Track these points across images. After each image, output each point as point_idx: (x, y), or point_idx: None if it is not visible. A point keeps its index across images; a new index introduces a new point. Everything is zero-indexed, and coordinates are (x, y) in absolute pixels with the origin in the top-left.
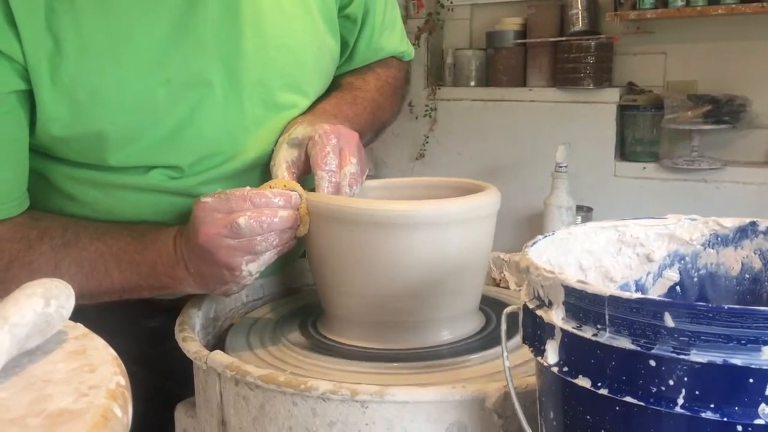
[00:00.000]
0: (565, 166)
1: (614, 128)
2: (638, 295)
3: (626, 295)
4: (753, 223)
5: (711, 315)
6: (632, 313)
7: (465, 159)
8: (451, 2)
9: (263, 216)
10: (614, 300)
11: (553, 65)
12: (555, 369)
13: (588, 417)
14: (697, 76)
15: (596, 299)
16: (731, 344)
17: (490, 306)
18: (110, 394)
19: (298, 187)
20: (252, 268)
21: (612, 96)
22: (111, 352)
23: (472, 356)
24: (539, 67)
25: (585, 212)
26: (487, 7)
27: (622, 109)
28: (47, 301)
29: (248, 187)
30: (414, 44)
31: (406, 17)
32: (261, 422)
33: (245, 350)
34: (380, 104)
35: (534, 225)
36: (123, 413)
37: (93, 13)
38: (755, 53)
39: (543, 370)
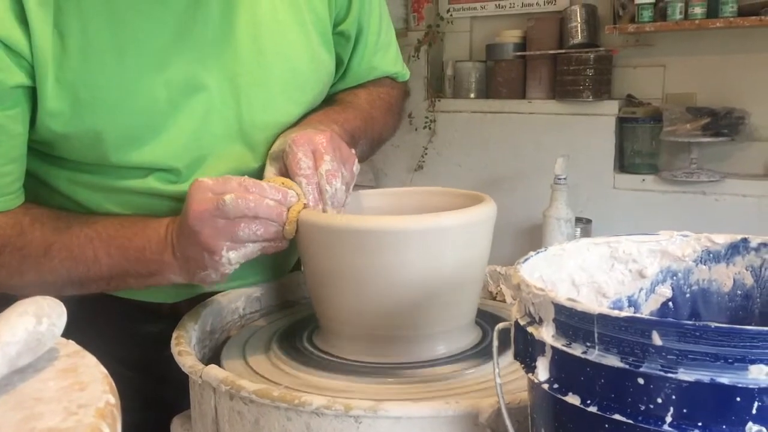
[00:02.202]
0: (564, 178)
1: (613, 140)
2: (626, 313)
3: (615, 313)
4: (745, 240)
5: (698, 334)
6: (621, 331)
7: (464, 170)
8: (451, 15)
9: (249, 196)
10: (603, 318)
11: (553, 77)
12: (545, 386)
13: None
14: (696, 89)
15: (585, 317)
16: (718, 363)
17: (486, 320)
18: (99, 413)
19: (296, 187)
20: (232, 256)
21: (611, 108)
22: (102, 370)
23: (468, 371)
24: (539, 79)
25: (584, 224)
26: (486, 19)
27: (621, 122)
28: (39, 319)
29: (247, 177)
30: (414, 56)
31: (406, 29)
32: None
33: (241, 364)
34: (372, 115)
35: (533, 237)
36: None
37: (98, 14)
38: (754, 66)
39: (534, 387)
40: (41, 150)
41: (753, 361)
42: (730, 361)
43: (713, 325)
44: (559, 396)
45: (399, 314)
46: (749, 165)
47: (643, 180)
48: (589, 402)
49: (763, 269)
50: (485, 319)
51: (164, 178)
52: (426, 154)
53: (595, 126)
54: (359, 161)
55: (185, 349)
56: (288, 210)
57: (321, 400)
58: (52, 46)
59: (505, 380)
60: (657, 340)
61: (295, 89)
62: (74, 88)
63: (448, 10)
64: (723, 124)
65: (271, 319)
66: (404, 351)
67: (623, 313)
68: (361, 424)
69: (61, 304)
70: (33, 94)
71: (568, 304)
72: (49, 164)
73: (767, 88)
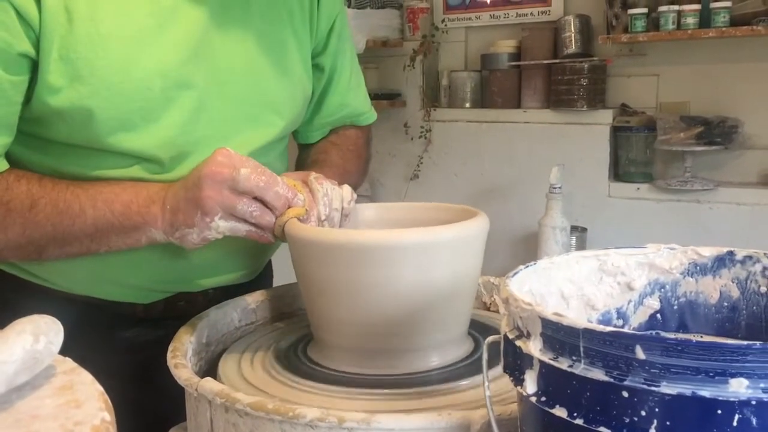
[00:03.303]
0: (559, 188)
1: (608, 149)
2: (611, 328)
3: (599, 327)
4: (730, 253)
5: (680, 348)
6: (605, 346)
7: (460, 180)
8: (446, 25)
9: (263, 177)
10: (588, 332)
11: (547, 87)
12: (533, 399)
13: None
14: (690, 98)
15: (571, 331)
16: (700, 376)
17: (480, 330)
18: (94, 430)
19: (305, 195)
20: (221, 224)
21: (605, 117)
22: (98, 388)
23: (461, 382)
24: (533, 88)
25: (580, 232)
26: (481, 29)
27: (616, 131)
28: (36, 337)
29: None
30: (409, 66)
31: (402, 40)
32: None
33: (236, 376)
34: (346, 169)
35: (529, 245)
36: None
37: (108, 2)
38: (747, 75)
39: (523, 399)
40: (29, 132)
41: (733, 375)
42: (711, 374)
43: (694, 339)
44: (547, 409)
45: (392, 327)
46: (743, 173)
47: (638, 188)
48: (575, 415)
49: (748, 282)
50: (478, 329)
51: (149, 168)
52: (422, 163)
53: (589, 135)
54: None
55: (181, 362)
56: (288, 208)
57: (315, 412)
58: (59, 25)
59: (501, 390)
60: (640, 354)
61: (278, 102)
62: (76, 66)
63: (443, 21)
64: (716, 132)
65: (266, 331)
66: (398, 363)
67: (608, 328)
68: None
69: (58, 322)
70: (34, 69)
71: (554, 318)
72: (32, 150)
73: (760, 97)
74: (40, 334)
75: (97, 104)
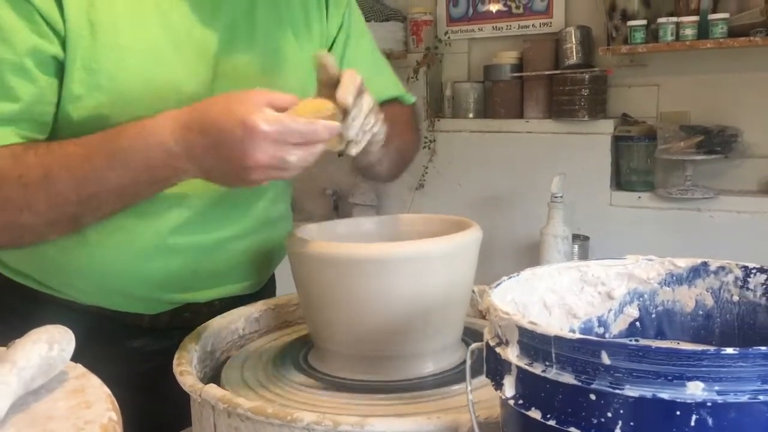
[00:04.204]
0: (561, 197)
1: (609, 158)
2: (579, 335)
3: (569, 335)
4: (705, 264)
5: (641, 353)
6: (574, 351)
7: (464, 189)
8: (449, 37)
9: (309, 150)
10: (558, 339)
11: (549, 97)
12: (512, 402)
13: None
14: (690, 108)
15: (543, 339)
16: (660, 380)
17: (474, 338)
18: (103, 429)
19: (331, 104)
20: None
21: (607, 127)
22: (106, 390)
23: (454, 387)
24: (535, 99)
25: (582, 241)
26: (484, 41)
27: (617, 140)
28: (51, 345)
29: (301, 119)
30: (413, 78)
31: (405, 52)
32: None
33: (239, 383)
34: (394, 129)
35: (532, 254)
36: None
37: (128, 15)
38: (746, 85)
39: (503, 403)
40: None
41: (690, 378)
42: (669, 378)
43: (654, 345)
44: (524, 411)
45: (388, 335)
46: (743, 182)
47: (639, 197)
48: (548, 416)
49: (721, 291)
50: (472, 337)
51: None
52: (426, 173)
53: (591, 144)
54: (388, 173)
55: (186, 369)
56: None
57: (311, 416)
58: (82, 36)
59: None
60: (606, 359)
61: None
62: (98, 76)
63: (447, 33)
64: (716, 141)
65: (269, 339)
66: (394, 370)
67: (576, 335)
68: None
69: (70, 331)
70: (61, 74)
71: (529, 326)
72: None
73: (759, 107)
74: (54, 343)
75: (114, 112)
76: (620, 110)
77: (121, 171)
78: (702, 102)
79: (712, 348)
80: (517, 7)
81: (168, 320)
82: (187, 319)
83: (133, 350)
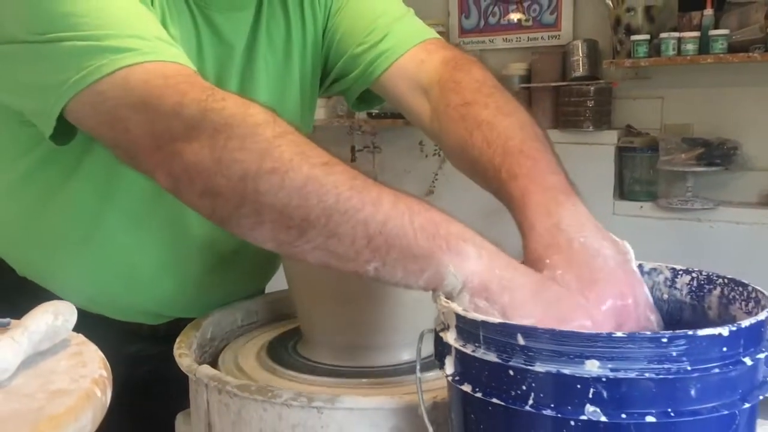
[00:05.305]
0: None
1: (613, 169)
2: (499, 320)
3: (492, 320)
4: (640, 266)
5: (548, 336)
6: (497, 334)
7: (472, 196)
8: (462, 48)
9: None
10: (485, 324)
11: (555, 108)
12: (450, 378)
13: (472, 416)
14: (693, 120)
15: (473, 324)
16: (563, 358)
17: None
18: (94, 381)
19: None
20: None
21: (611, 138)
22: (100, 355)
23: (429, 373)
24: (542, 109)
25: None
26: (494, 53)
27: (621, 151)
28: (56, 316)
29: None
30: None
31: None
32: (239, 426)
33: (233, 366)
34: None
35: None
36: (102, 394)
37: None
38: (746, 99)
39: (447, 381)
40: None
41: (588, 357)
42: (571, 357)
43: (557, 329)
44: (459, 386)
45: (371, 327)
46: (742, 193)
47: (642, 207)
48: (477, 389)
49: (654, 290)
50: None
51: None
52: (436, 179)
53: (595, 155)
54: None
55: (185, 352)
56: None
57: (288, 393)
58: None
59: None
60: (521, 340)
61: None
62: None
63: (459, 44)
64: (717, 154)
65: (265, 330)
66: (373, 358)
67: (498, 320)
68: (322, 414)
69: (72, 306)
70: None
71: (462, 313)
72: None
73: (759, 121)
74: (59, 314)
75: None
76: (625, 122)
77: (398, 211)
78: (705, 115)
79: (604, 332)
80: (527, 20)
81: (167, 328)
82: (185, 326)
83: (129, 356)
